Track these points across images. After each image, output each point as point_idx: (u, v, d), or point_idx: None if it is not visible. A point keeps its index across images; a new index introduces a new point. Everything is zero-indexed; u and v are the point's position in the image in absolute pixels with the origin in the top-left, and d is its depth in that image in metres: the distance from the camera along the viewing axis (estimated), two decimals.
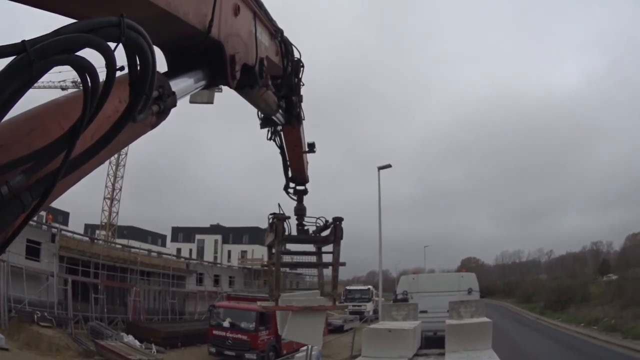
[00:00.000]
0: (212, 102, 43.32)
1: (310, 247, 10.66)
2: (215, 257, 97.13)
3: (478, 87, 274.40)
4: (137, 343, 33.28)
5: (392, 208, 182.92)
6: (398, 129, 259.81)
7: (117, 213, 77.08)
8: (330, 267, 9.93)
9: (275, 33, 6.74)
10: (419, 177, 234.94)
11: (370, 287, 69.37)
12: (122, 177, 76.49)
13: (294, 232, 9.97)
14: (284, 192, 10.53)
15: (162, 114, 3.81)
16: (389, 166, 42.31)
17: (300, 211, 10.26)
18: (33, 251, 36.16)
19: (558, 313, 63.39)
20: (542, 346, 36.95)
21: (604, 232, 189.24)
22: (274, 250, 9.77)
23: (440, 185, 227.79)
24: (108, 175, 73.98)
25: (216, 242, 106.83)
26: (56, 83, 59.01)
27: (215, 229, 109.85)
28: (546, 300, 74.64)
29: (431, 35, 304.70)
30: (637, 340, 35.83)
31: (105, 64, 2.50)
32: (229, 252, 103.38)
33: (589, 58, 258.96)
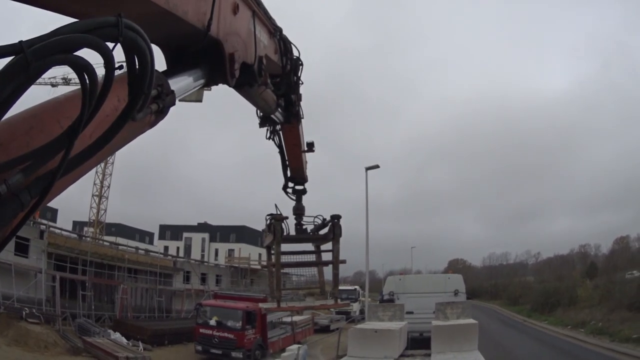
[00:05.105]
0: (200, 101, 42.96)
1: (310, 247, 10.66)
2: (203, 256, 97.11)
3: (466, 88, 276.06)
4: (124, 340, 33.27)
5: (379, 208, 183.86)
6: (385, 130, 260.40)
7: (105, 210, 76.89)
8: (330, 266, 9.94)
9: (274, 31, 6.76)
10: (406, 178, 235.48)
11: (357, 287, 69.27)
12: (110, 174, 76.43)
13: (292, 232, 9.96)
14: (281, 191, 10.55)
15: (161, 113, 3.79)
16: (377, 167, 42.47)
17: (299, 210, 10.26)
18: (22, 247, 36.12)
19: (545, 315, 63.55)
20: (529, 348, 37.08)
21: (592, 235, 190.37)
22: (273, 251, 9.76)
23: (428, 186, 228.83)
24: (97, 172, 73.64)
25: (203, 240, 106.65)
26: (47, 79, 58.58)
27: (202, 227, 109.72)
28: (533, 302, 74.82)
29: (420, 36, 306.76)
30: (624, 344, 36.08)
31: (104, 64, 2.49)
32: (216, 250, 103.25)
33: (578, 62, 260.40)
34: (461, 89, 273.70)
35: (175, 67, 4.63)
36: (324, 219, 10.02)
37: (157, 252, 68.32)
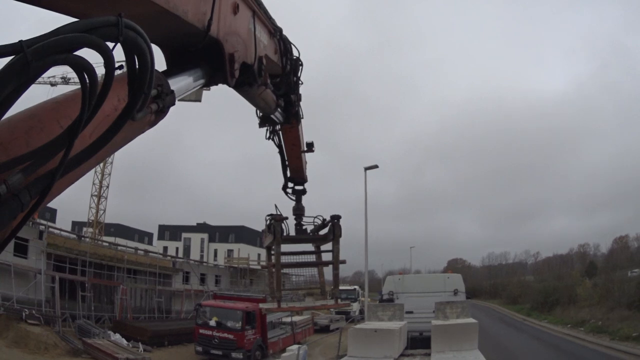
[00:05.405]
0: (199, 100, 43.11)
1: (310, 247, 10.64)
2: (202, 256, 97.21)
3: (465, 88, 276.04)
4: (124, 341, 33.22)
5: (378, 208, 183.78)
6: (384, 130, 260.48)
7: (105, 211, 76.78)
8: (330, 266, 9.93)
9: (274, 32, 6.74)
10: (406, 178, 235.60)
11: (356, 287, 69.39)
12: (109, 174, 76.35)
13: (292, 232, 9.94)
14: (281, 191, 10.53)
15: (161, 113, 3.79)
16: (376, 167, 42.43)
17: (298, 211, 10.23)
18: (21, 248, 35.98)
19: (544, 314, 63.57)
20: (529, 347, 37.08)
21: (591, 235, 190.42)
22: (273, 252, 9.74)
23: (427, 186, 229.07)
24: (96, 172, 73.59)
25: (202, 240, 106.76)
26: (46, 79, 58.60)
27: (201, 228, 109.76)
28: (533, 301, 74.84)
29: (419, 37, 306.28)
30: (624, 342, 36.09)
31: (104, 64, 2.48)
32: (216, 250, 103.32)
33: (576, 62, 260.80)
34: (460, 90, 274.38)
35: (175, 67, 4.62)
36: (324, 219, 9.98)
37: (156, 253, 68.13)
